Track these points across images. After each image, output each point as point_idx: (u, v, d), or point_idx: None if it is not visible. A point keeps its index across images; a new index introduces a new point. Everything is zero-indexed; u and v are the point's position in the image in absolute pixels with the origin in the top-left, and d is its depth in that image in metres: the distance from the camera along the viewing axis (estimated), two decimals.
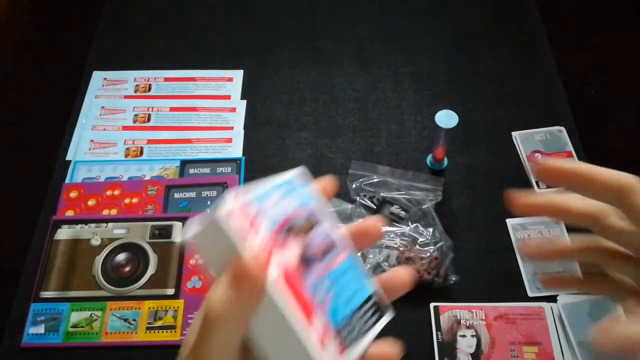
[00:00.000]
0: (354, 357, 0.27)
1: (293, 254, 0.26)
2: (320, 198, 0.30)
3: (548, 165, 0.29)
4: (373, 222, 0.30)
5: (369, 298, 0.29)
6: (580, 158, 0.73)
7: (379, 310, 0.29)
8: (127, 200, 0.70)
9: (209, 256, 0.26)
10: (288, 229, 0.27)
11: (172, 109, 0.80)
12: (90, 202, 0.70)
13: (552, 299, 0.62)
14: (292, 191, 0.29)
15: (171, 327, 0.61)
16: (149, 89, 0.82)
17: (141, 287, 0.64)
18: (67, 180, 0.72)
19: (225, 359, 0.25)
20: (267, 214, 0.26)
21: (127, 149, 0.76)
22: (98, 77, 0.83)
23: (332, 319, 0.27)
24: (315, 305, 0.26)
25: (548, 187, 0.71)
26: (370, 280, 0.30)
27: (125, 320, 0.62)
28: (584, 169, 0.29)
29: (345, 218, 0.67)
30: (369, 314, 0.29)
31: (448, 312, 0.61)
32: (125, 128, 0.78)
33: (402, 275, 0.30)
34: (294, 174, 0.29)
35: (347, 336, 0.27)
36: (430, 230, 0.66)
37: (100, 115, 0.79)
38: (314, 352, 0.25)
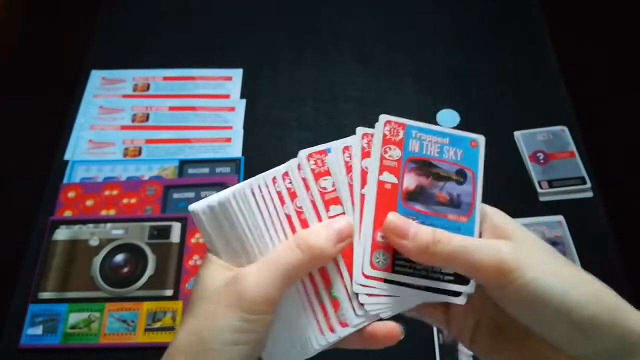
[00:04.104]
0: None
1: (410, 182, 0.31)
2: (481, 170, 0.32)
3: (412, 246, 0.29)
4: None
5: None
6: (583, 158, 0.72)
7: (457, 282, 0.30)
8: (125, 201, 0.70)
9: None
10: (427, 165, 0.32)
11: (171, 109, 0.79)
12: (89, 203, 0.70)
13: None
14: (459, 146, 0.32)
15: (170, 329, 0.61)
16: (148, 88, 0.81)
17: (140, 288, 0.63)
18: (65, 181, 0.72)
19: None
20: (416, 145, 0.32)
21: (125, 148, 0.75)
22: (96, 76, 0.83)
23: None
24: None
25: (550, 187, 0.70)
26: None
27: (124, 321, 0.61)
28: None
29: None
30: (446, 276, 0.30)
31: None
32: (123, 128, 0.77)
33: (390, 328, 0.31)
34: (473, 137, 0.33)
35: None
36: None
37: (99, 114, 0.79)
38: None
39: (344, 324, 0.30)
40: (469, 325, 0.32)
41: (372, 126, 0.33)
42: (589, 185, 0.70)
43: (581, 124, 0.76)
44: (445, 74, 0.82)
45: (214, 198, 0.29)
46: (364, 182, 0.31)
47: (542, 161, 0.72)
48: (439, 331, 0.60)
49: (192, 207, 0.30)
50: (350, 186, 0.31)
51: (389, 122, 0.33)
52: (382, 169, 0.31)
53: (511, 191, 0.70)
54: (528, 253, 0.28)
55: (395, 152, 0.32)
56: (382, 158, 0.31)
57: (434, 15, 0.89)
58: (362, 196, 0.31)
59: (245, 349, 0.28)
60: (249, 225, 0.30)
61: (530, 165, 0.72)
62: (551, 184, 0.70)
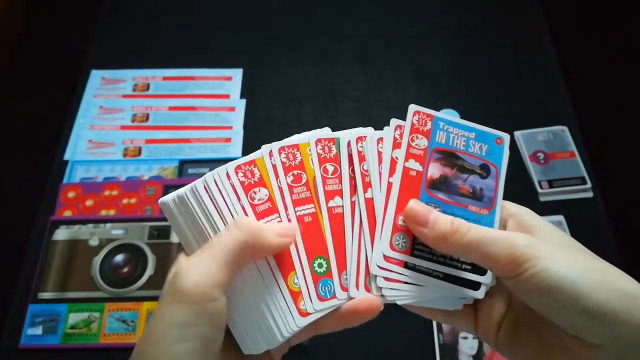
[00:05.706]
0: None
1: (434, 171, 0.32)
2: (505, 168, 0.33)
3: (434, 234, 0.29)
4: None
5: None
6: (583, 158, 0.72)
7: (474, 271, 0.31)
8: (125, 201, 0.70)
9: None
10: (452, 157, 0.33)
11: (171, 109, 0.79)
12: (88, 203, 0.70)
13: None
14: (485, 141, 0.34)
15: None
16: (148, 88, 0.81)
17: (140, 288, 0.63)
18: (64, 181, 0.72)
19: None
20: (443, 136, 0.33)
21: (125, 148, 0.75)
22: (96, 76, 0.83)
23: None
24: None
25: (550, 187, 0.70)
26: None
27: (124, 321, 0.61)
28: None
29: None
30: (464, 265, 0.31)
31: None
32: (123, 128, 0.77)
33: (372, 300, 0.31)
34: (498, 134, 0.34)
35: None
36: None
37: (98, 114, 0.79)
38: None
39: (304, 314, 0.30)
40: (494, 324, 0.32)
41: (373, 125, 0.34)
42: (589, 185, 0.70)
43: (581, 124, 0.76)
44: (445, 74, 0.82)
45: (181, 189, 0.31)
46: (392, 171, 0.32)
47: (542, 161, 0.72)
48: (439, 331, 0.60)
49: (162, 199, 0.31)
50: (380, 174, 0.32)
51: (417, 112, 0.34)
52: (408, 156, 0.32)
53: (511, 191, 0.69)
54: (546, 247, 0.28)
55: (422, 142, 0.33)
56: (409, 146, 0.33)
57: (433, 15, 0.89)
58: (389, 184, 0.32)
59: (192, 344, 0.27)
60: (217, 208, 0.30)
61: (530, 165, 0.72)
62: (551, 184, 0.70)
